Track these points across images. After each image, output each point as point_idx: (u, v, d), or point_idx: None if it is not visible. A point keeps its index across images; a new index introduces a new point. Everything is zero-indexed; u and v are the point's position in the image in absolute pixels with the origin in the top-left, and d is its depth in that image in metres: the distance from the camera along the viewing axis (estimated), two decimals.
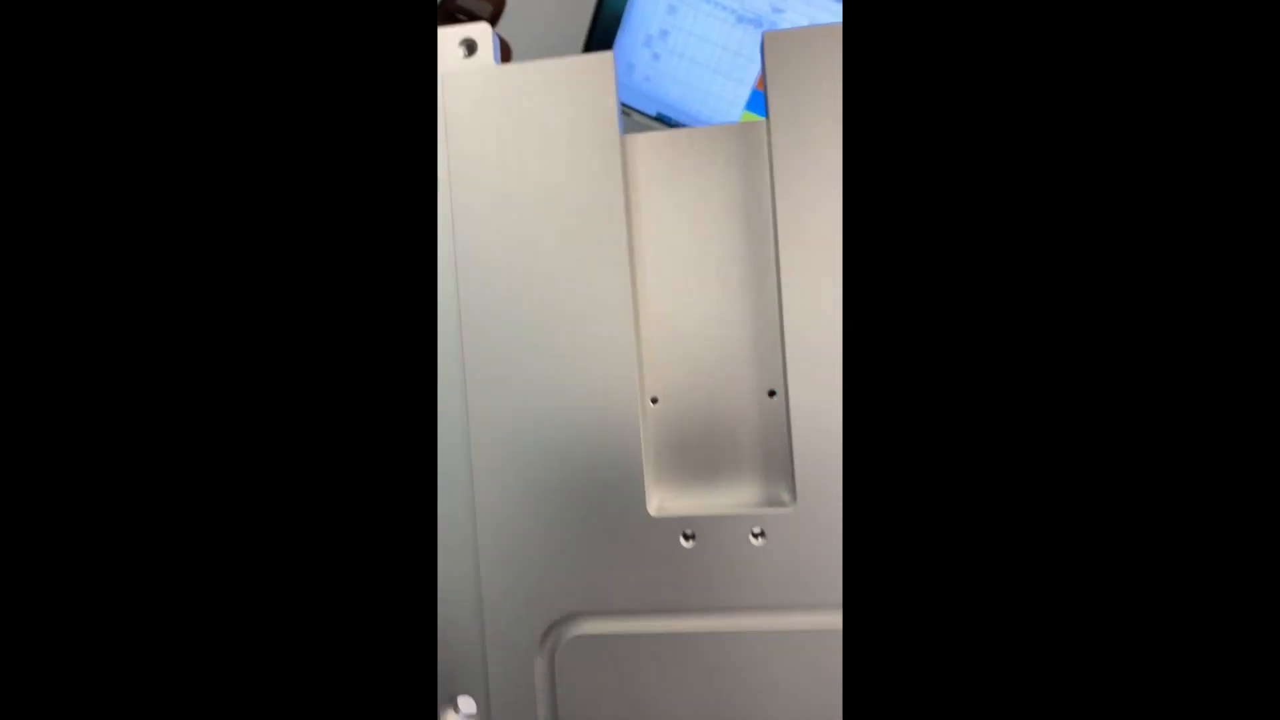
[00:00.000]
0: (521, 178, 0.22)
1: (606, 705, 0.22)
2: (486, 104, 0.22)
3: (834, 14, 0.39)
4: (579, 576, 0.22)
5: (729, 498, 0.22)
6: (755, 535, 0.21)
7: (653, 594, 0.22)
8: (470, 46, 0.23)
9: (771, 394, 0.22)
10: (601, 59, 0.22)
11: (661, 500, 0.22)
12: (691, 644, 0.22)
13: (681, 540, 0.22)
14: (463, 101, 0.22)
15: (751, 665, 0.22)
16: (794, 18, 0.40)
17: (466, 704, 0.23)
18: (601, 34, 0.43)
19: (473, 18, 0.50)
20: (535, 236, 0.22)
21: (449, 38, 0.23)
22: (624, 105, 0.47)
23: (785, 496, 0.22)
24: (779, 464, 0.22)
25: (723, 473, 0.23)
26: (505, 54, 0.26)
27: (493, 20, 0.55)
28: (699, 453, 0.23)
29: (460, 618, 0.23)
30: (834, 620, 0.21)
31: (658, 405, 0.23)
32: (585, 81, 0.22)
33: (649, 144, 0.23)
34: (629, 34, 0.43)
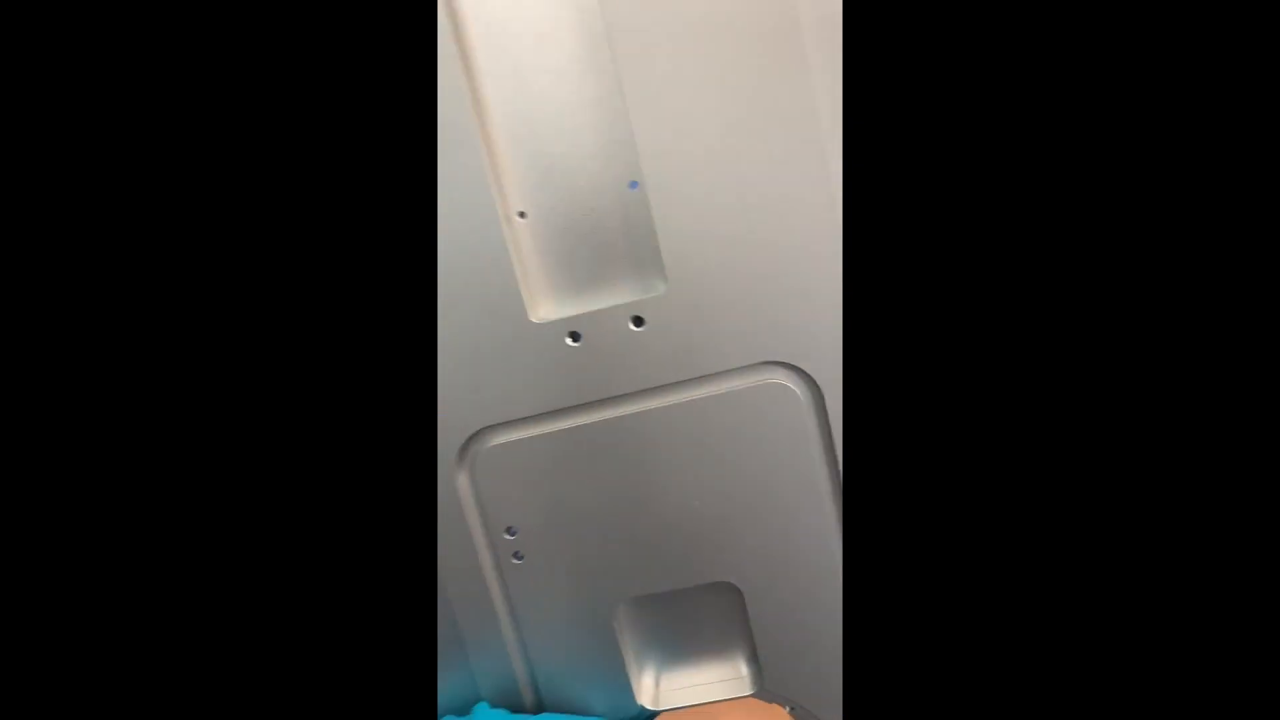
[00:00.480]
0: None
1: (529, 507, 0.24)
2: None
3: None
4: (479, 395, 0.23)
5: (608, 296, 0.23)
6: (635, 323, 0.22)
7: (549, 396, 0.23)
8: None
9: (633, 184, 0.22)
10: None
11: (546, 309, 0.23)
12: (592, 434, 0.23)
13: (568, 341, 0.23)
14: None
15: (652, 445, 0.23)
16: None
17: None
18: None
19: None
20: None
21: None
22: None
23: (658, 284, 0.22)
24: (648, 255, 0.23)
25: (599, 272, 0.23)
26: None
27: None
28: (568, 258, 0.23)
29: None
30: (717, 388, 0.23)
31: (526, 219, 0.23)
32: None
33: None
34: None
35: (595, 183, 0.23)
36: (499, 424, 0.24)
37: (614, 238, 0.23)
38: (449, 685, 0.26)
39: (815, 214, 0.21)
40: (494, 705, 0.25)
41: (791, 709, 0.26)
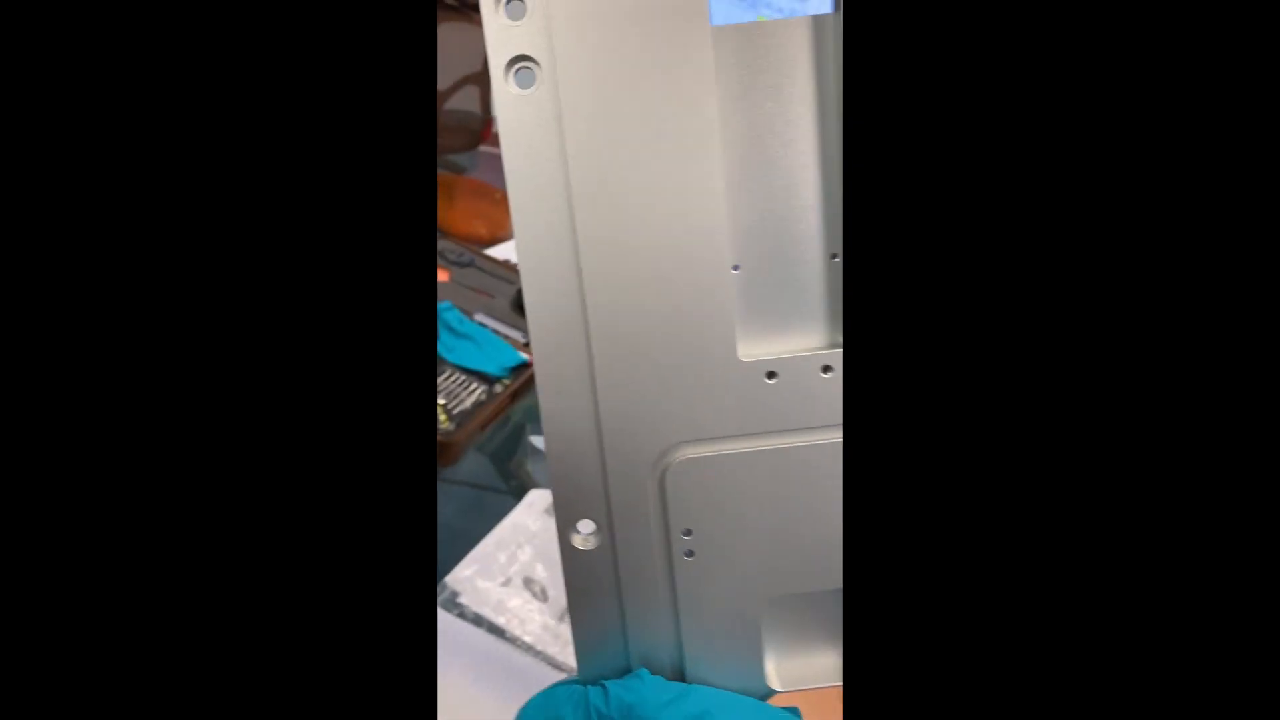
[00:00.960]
0: (624, 68, 0.24)
1: (706, 513, 0.28)
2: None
3: None
4: (683, 412, 0.27)
5: (800, 343, 0.28)
6: (824, 370, 0.27)
7: (745, 421, 0.27)
8: None
9: (834, 257, 0.27)
10: None
11: (749, 347, 0.27)
12: (777, 458, 0.28)
13: (766, 379, 0.27)
14: None
15: (821, 473, 0.28)
16: None
17: (585, 526, 0.29)
18: None
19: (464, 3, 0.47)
20: (638, 125, 0.25)
21: None
22: None
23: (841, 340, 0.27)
24: (839, 315, 0.27)
25: (794, 324, 0.28)
26: None
27: None
28: (774, 308, 0.27)
29: (582, 455, 0.28)
30: None
31: (739, 271, 0.27)
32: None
33: (735, 35, 0.25)
34: None
35: (800, 242, 0.27)
36: (694, 440, 0.28)
37: (811, 297, 0.27)
38: (602, 657, 0.30)
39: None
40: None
41: None
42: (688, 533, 0.28)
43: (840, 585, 0.29)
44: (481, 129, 1.63)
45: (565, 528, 0.29)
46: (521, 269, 0.26)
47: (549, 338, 0.27)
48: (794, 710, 0.32)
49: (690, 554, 0.29)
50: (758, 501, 0.28)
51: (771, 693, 0.31)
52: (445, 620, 0.65)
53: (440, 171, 1.43)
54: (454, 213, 1.29)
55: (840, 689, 0.47)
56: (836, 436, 0.28)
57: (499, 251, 1.12)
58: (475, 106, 1.69)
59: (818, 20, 0.25)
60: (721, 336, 0.26)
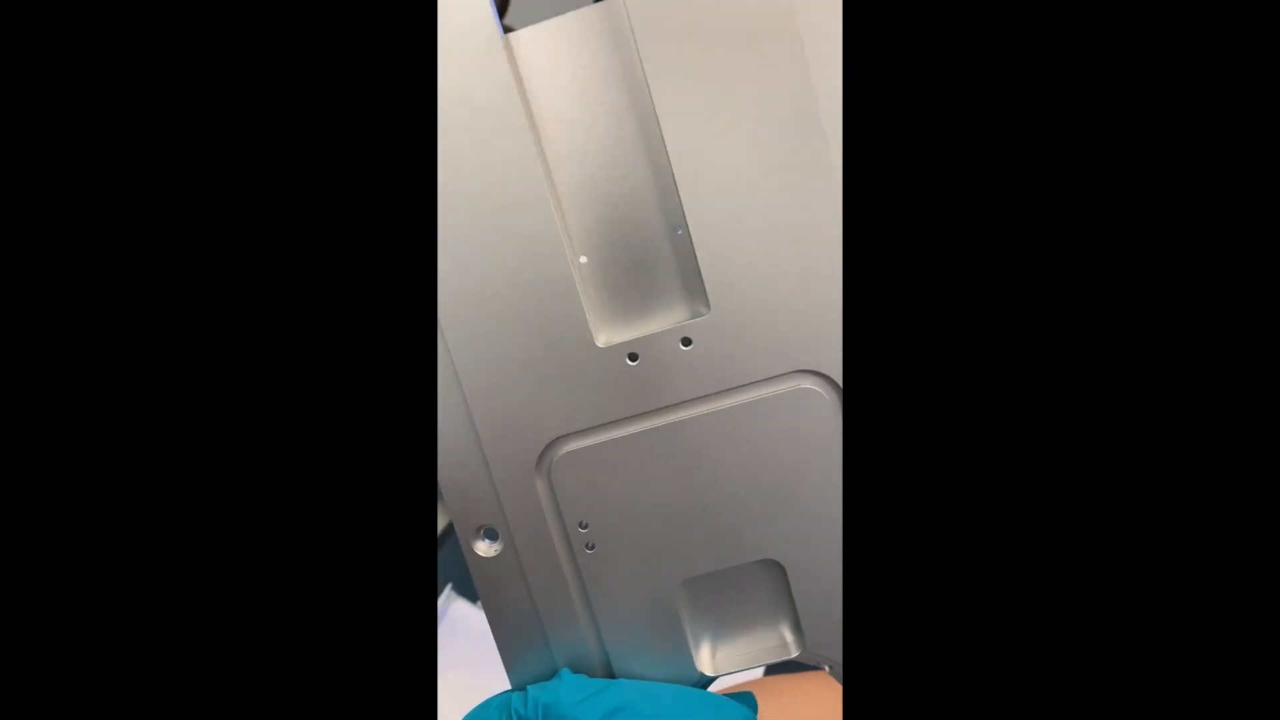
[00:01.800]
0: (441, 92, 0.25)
1: (598, 503, 0.28)
2: None
3: None
4: (554, 408, 0.27)
5: (658, 321, 0.27)
6: (684, 343, 0.27)
7: (615, 407, 0.27)
8: None
9: (677, 230, 0.27)
10: None
11: (606, 334, 0.28)
12: (650, 439, 0.27)
13: (628, 362, 0.27)
14: None
15: (702, 445, 0.27)
16: None
17: (485, 538, 0.29)
18: None
19: None
20: (452, 145, 0.26)
21: None
22: None
23: (702, 309, 0.27)
24: (692, 286, 0.27)
25: (649, 304, 0.28)
26: None
27: None
28: (627, 292, 0.28)
29: (467, 467, 0.28)
30: (756, 394, 0.27)
31: (586, 261, 0.27)
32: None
33: (527, 39, 0.26)
34: None
35: (646, 228, 0.27)
36: (570, 433, 0.28)
37: (664, 273, 0.27)
38: (529, 663, 0.30)
39: (826, 241, 0.25)
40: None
41: (829, 668, 0.30)
42: (584, 525, 0.28)
43: (756, 558, 0.28)
44: None
45: (466, 538, 0.29)
46: None
47: None
48: (745, 695, 0.31)
49: (591, 547, 0.29)
50: (646, 485, 0.28)
51: (709, 680, 0.30)
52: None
53: None
54: None
55: (795, 679, 0.46)
56: (706, 408, 0.27)
57: None
58: None
59: (608, 6, 0.26)
60: (576, 328, 0.27)
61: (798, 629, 0.29)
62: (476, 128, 0.26)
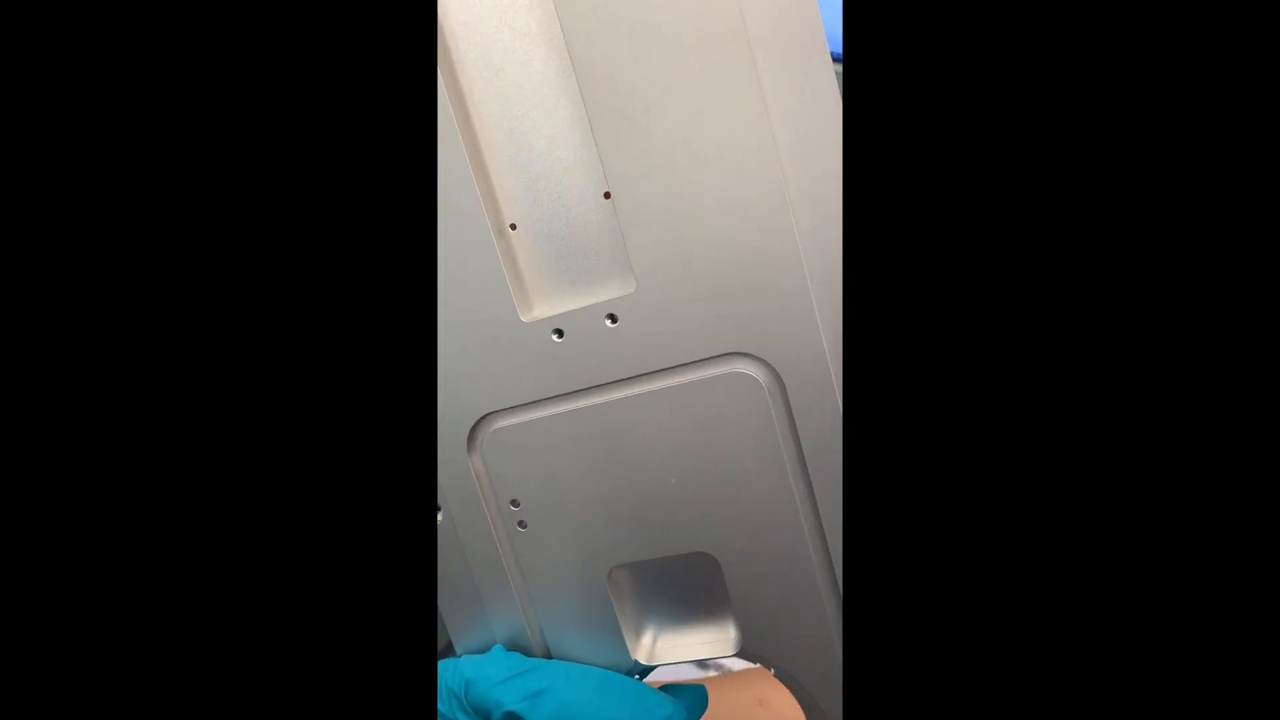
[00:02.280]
0: None
1: (528, 482, 0.27)
2: None
3: None
4: (482, 385, 0.27)
5: (586, 296, 0.26)
6: (610, 319, 0.25)
7: (541, 385, 0.26)
8: None
9: (606, 195, 0.25)
10: None
11: (533, 309, 0.26)
12: (579, 418, 0.26)
13: (553, 338, 0.26)
14: None
15: (630, 428, 0.26)
16: None
17: None
18: None
19: None
20: None
21: None
22: None
23: (629, 286, 0.25)
24: (621, 258, 0.25)
25: (579, 276, 0.26)
26: None
27: None
28: (554, 264, 0.26)
29: None
30: (688, 377, 0.25)
31: (517, 230, 0.26)
32: None
33: (471, 33, 0.25)
34: None
35: (575, 194, 0.25)
36: (500, 410, 0.27)
37: (591, 244, 0.26)
38: (471, 635, 0.30)
39: (769, 213, 0.23)
40: (509, 650, 0.29)
41: (775, 671, 0.28)
42: (515, 504, 0.28)
43: (688, 550, 0.27)
44: None
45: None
46: None
47: None
48: (697, 688, 0.30)
49: (523, 524, 0.28)
50: (574, 467, 0.27)
51: (645, 669, 0.29)
52: None
53: None
54: None
55: (736, 677, 0.43)
56: (633, 390, 0.26)
57: None
58: None
59: None
60: (500, 301, 0.26)
61: (737, 624, 0.28)
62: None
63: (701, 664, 0.55)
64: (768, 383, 0.24)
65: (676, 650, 0.29)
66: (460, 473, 0.28)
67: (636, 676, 0.29)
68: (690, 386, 0.25)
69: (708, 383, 0.25)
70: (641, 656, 0.29)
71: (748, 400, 0.25)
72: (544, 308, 0.26)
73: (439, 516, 0.29)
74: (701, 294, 0.24)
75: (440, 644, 0.33)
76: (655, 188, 0.23)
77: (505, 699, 0.26)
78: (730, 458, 0.25)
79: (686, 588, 0.29)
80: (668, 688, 0.30)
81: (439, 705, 0.28)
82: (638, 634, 0.29)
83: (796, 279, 0.23)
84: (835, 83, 0.22)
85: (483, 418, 0.27)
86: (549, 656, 0.29)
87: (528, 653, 0.29)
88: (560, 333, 0.26)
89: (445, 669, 0.28)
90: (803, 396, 0.24)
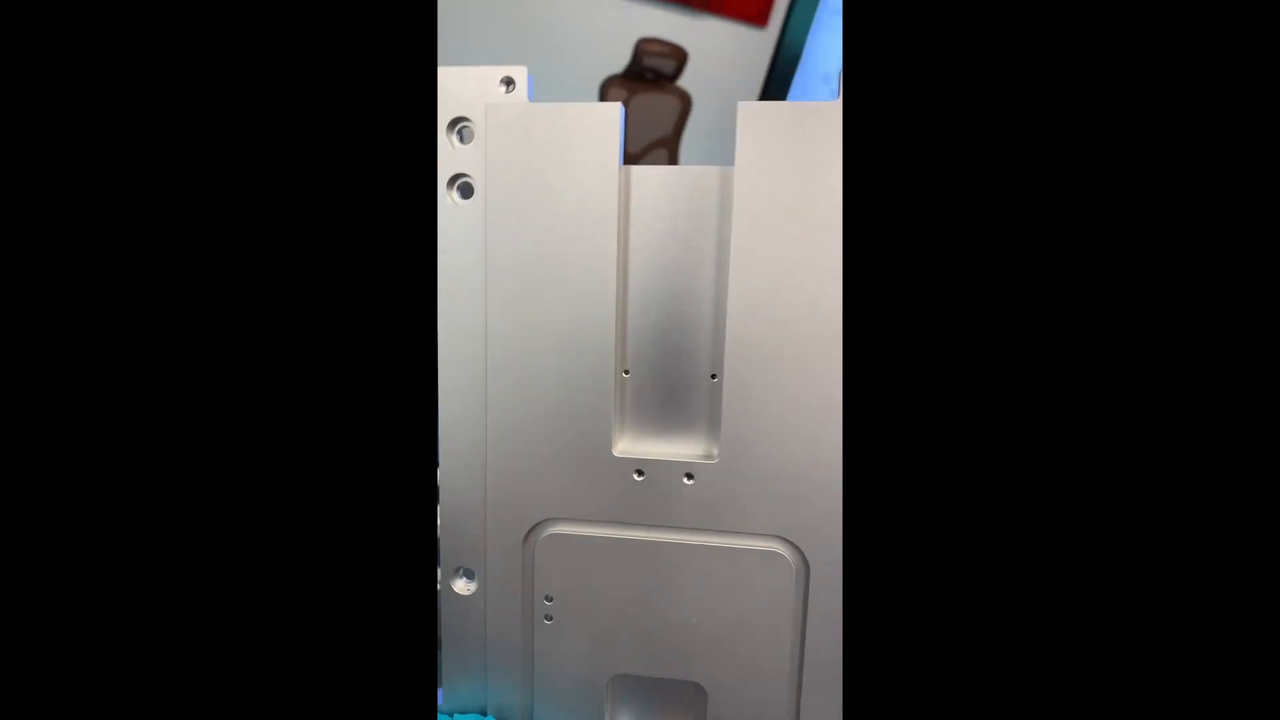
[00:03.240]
0: (542, 192, 0.29)
1: (566, 584, 0.31)
2: (519, 131, 0.29)
3: None
4: (557, 492, 0.31)
5: (673, 449, 0.30)
6: (687, 477, 0.30)
7: (610, 510, 0.30)
8: (509, 83, 0.29)
9: (713, 377, 0.30)
10: (609, 109, 0.28)
11: (624, 446, 0.31)
12: (633, 549, 0.30)
13: (634, 476, 0.30)
14: (499, 126, 0.29)
15: (670, 568, 0.30)
16: None
17: (463, 578, 0.32)
18: (779, 77, 0.47)
19: (659, 75, 0.60)
20: (549, 241, 0.29)
21: (491, 76, 0.29)
22: None
23: (713, 452, 0.30)
24: (711, 430, 0.30)
25: (671, 431, 0.31)
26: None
27: (676, 74, 0.66)
28: (655, 414, 0.31)
29: (469, 514, 0.31)
30: (733, 542, 0.30)
31: (629, 376, 0.30)
32: (595, 123, 0.28)
33: (643, 175, 0.29)
34: (806, 73, 0.46)
35: (687, 366, 0.30)
36: (563, 518, 0.31)
37: (690, 409, 0.30)
38: (463, 694, 0.33)
39: (828, 428, 0.28)
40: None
41: None
42: (549, 599, 0.32)
43: (683, 677, 0.31)
44: None
45: (447, 575, 0.32)
46: (440, 349, 0.31)
47: (454, 411, 0.31)
48: None
49: (549, 619, 0.32)
50: (613, 583, 0.31)
51: None
52: None
53: None
54: None
55: None
56: (689, 539, 0.30)
57: None
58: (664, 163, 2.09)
59: (724, 172, 0.29)
60: (601, 431, 0.30)
61: None
62: (580, 230, 0.29)
63: None
64: (796, 566, 0.30)
65: None
66: (510, 560, 0.31)
67: None
68: (734, 551, 0.30)
69: (750, 553, 0.30)
70: None
71: (776, 576, 0.30)
72: (632, 446, 0.31)
73: (470, 585, 0.32)
74: (768, 482, 0.29)
75: None
76: (762, 384, 0.28)
77: None
78: (745, 614, 0.30)
79: (669, 706, 0.33)
80: None
81: None
82: None
83: (835, 485, 0.28)
84: None
85: (546, 519, 0.31)
86: None
87: None
88: (641, 473, 0.30)
89: None
90: (821, 589, 0.29)
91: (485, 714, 0.33)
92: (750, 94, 0.55)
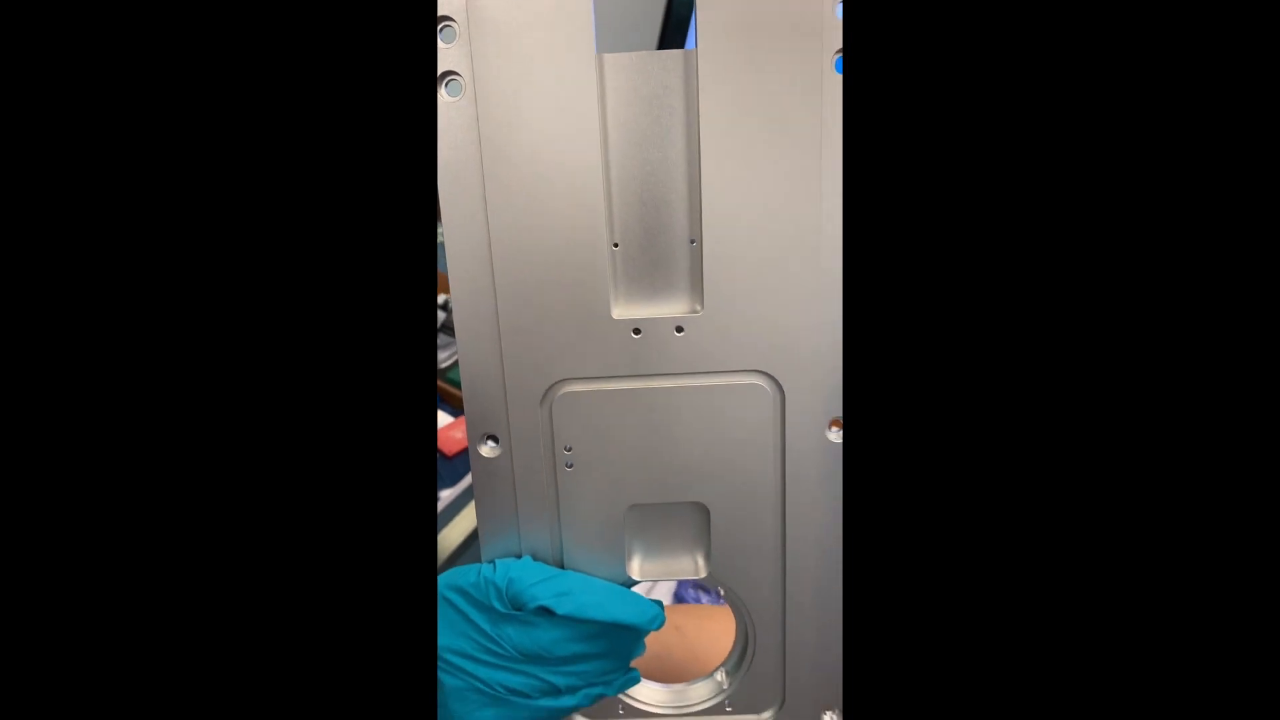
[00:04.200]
0: (526, 83, 0.32)
1: (583, 435, 0.36)
2: (500, 26, 0.31)
3: None
4: (567, 355, 0.35)
5: (663, 308, 0.35)
6: (678, 330, 0.35)
7: (614, 366, 0.35)
8: None
9: (692, 241, 0.34)
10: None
11: (621, 309, 0.35)
12: (637, 397, 0.35)
13: (632, 334, 0.35)
14: (482, 22, 0.31)
15: (672, 408, 0.36)
16: None
17: (490, 442, 0.37)
18: (674, 30, 0.48)
19: None
20: (536, 128, 0.32)
21: None
22: None
23: (698, 307, 0.34)
24: (694, 288, 0.35)
25: (661, 292, 0.35)
26: None
27: None
28: (646, 279, 0.35)
29: (489, 383, 0.35)
30: (722, 380, 0.35)
31: (619, 248, 0.35)
32: (568, 13, 0.31)
33: (616, 62, 0.32)
34: None
35: (669, 233, 0.34)
36: (574, 378, 0.35)
37: (675, 272, 0.35)
38: (500, 545, 0.38)
39: (818, 277, 0.33)
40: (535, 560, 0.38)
41: (725, 591, 0.39)
42: (568, 449, 0.36)
43: (689, 499, 0.37)
44: None
45: (475, 441, 0.37)
46: (446, 238, 0.34)
47: (466, 292, 0.34)
48: (656, 602, 0.40)
49: (570, 466, 0.37)
50: (624, 428, 0.36)
51: (633, 581, 0.39)
52: None
53: None
54: None
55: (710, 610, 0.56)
56: (682, 382, 0.35)
57: None
58: None
59: (687, 55, 0.32)
60: (600, 299, 0.34)
61: (708, 558, 0.39)
62: (560, 120, 0.32)
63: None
64: (774, 394, 0.35)
65: (658, 571, 0.39)
66: (530, 420, 0.36)
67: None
68: (723, 388, 0.35)
69: (736, 388, 0.35)
70: (634, 573, 0.39)
71: (757, 404, 0.35)
72: (628, 309, 0.35)
73: (496, 449, 0.37)
74: (747, 326, 0.34)
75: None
76: (735, 245, 0.33)
77: (540, 596, 0.35)
78: (737, 439, 0.36)
79: (675, 527, 0.39)
80: None
81: (476, 594, 0.36)
82: (633, 556, 0.39)
83: (801, 322, 0.34)
84: None
85: (559, 381, 0.35)
86: (562, 568, 0.38)
87: (546, 564, 0.38)
88: (638, 331, 0.35)
89: (482, 569, 0.36)
90: (795, 410, 0.35)
91: (520, 556, 0.38)
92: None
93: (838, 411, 0.36)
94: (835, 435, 0.36)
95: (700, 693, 0.43)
